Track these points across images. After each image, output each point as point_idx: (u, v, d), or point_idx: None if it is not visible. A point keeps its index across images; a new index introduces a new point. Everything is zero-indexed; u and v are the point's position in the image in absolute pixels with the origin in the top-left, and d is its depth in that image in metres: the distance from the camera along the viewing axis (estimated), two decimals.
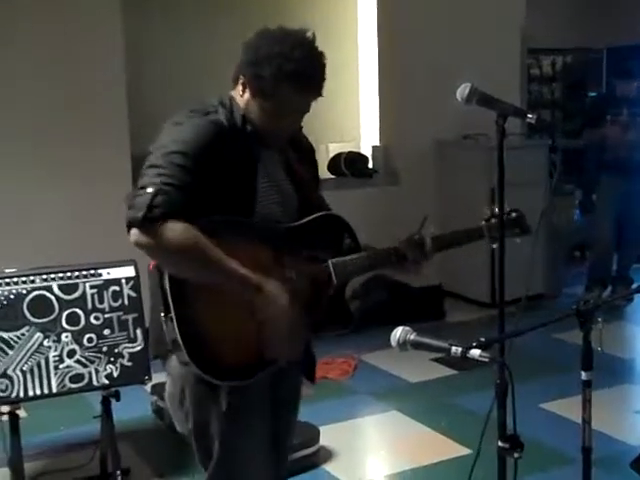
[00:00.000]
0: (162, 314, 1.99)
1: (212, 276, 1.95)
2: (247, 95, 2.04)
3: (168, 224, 1.87)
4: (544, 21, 7.30)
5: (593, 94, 8.13)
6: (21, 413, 3.14)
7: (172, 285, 1.95)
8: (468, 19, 6.31)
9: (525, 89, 7.04)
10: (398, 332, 1.64)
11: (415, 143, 6.25)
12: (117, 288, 3.22)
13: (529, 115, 1.88)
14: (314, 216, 2.16)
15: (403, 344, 1.62)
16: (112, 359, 3.18)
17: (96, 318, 3.17)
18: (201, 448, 2.14)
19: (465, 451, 3.74)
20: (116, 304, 3.21)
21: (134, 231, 1.89)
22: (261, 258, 2.03)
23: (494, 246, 2.16)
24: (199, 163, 1.94)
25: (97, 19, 5.13)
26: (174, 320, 1.94)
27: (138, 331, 3.22)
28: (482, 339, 1.53)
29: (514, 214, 2.27)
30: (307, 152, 2.30)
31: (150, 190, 1.87)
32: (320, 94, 2.05)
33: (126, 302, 3.22)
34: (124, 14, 5.25)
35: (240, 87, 2.06)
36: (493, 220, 2.21)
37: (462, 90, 1.91)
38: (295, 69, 1.97)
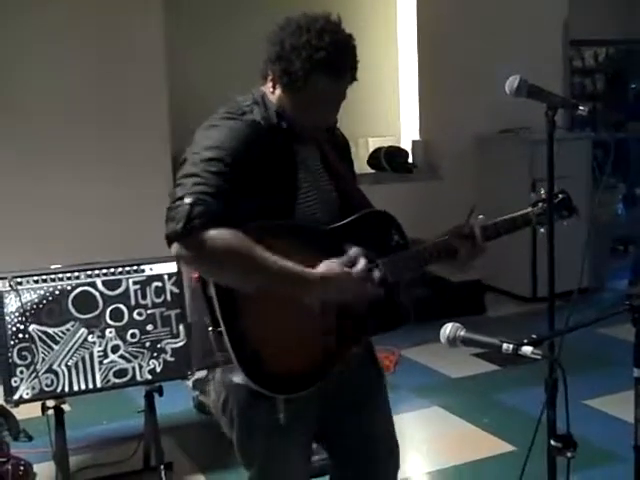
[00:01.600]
0: (209, 329, 1.90)
1: (265, 279, 1.85)
2: (278, 91, 1.96)
3: (210, 232, 1.79)
4: (586, 12, 7.19)
5: (635, 86, 7.99)
6: (65, 407, 3.17)
7: (220, 297, 1.86)
8: (510, 12, 6.25)
9: (568, 82, 6.94)
10: (448, 328, 1.61)
11: (455, 138, 6.21)
12: (160, 284, 3.24)
13: (580, 107, 1.85)
14: (359, 214, 2.06)
15: (453, 340, 1.60)
16: (155, 354, 3.20)
17: (139, 314, 3.20)
18: (244, 456, 2.09)
19: (508, 448, 3.70)
20: (159, 300, 3.23)
21: (175, 245, 1.81)
22: (308, 262, 1.91)
23: (542, 230, 2.10)
24: (236, 168, 1.86)
25: (138, 16, 5.18)
26: (224, 334, 1.85)
27: (181, 327, 3.24)
28: (534, 336, 1.50)
29: (560, 195, 2.18)
30: (343, 148, 2.22)
31: (188, 201, 1.80)
32: (355, 78, 1.96)
33: (169, 298, 3.24)
34: (165, 11, 5.29)
35: (270, 84, 1.98)
36: (540, 204, 2.14)
37: (511, 82, 1.88)
38: (325, 57, 1.87)
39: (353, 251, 1.96)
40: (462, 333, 1.60)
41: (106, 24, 5.12)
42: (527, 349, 1.48)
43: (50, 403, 3.12)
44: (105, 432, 4.00)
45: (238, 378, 1.92)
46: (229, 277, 1.85)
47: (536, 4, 6.35)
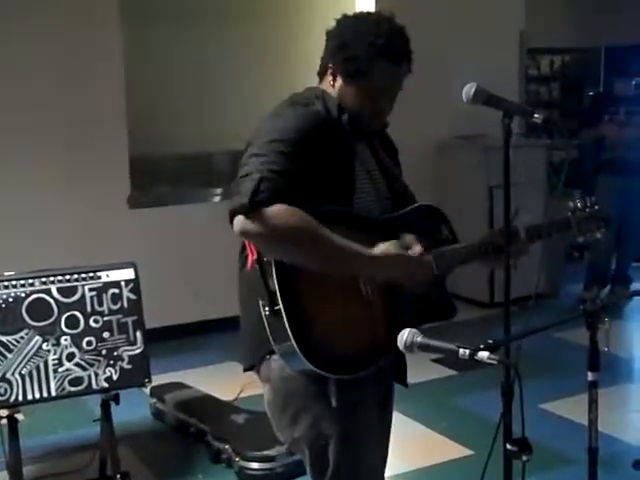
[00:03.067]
0: (265, 309, 1.90)
1: (327, 255, 1.87)
2: (339, 82, 2.02)
3: (275, 207, 1.80)
4: (542, 21, 7.30)
5: (591, 93, 8.13)
6: (19, 416, 3.11)
7: (279, 275, 1.86)
8: (467, 19, 6.31)
9: (523, 89, 7.03)
10: (405, 334, 1.62)
11: (414, 143, 6.23)
12: (116, 291, 3.19)
13: (535, 115, 1.87)
14: (413, 207, 2.12)
15: (410, 346, 1.60)
16: (112, 362, 3.15)
17: (95, 321, 3.15)
18: (315, 453, 2.03)
19: (467, 452, 3.73)
20: (115, 307, 3.18)
21: (240, 218, 1.82)
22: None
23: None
24: (301, 151, 1.88)
25: (96, 24, 5.13)
26: (282, 312, 1.84)
27: (138, 334, 3.20)
28: (490, 341, 1.52)
29: (596, 207, 2.24)
30: (393, 151, 2.26)
31: (255, 176, 1.82)
32: (410, 70, 2.03)
33: (125, 305, 3.20)
34: (123, 21, 5.24)
35: (330, 77, 2.03)
36: (579, 212, 2.21)
37: (468, 90, 1.90)
38: (386, 42, 1.95)
39: (408, 237, 2.01)
40: (419, 339, 1.60)
41: (67, 28, 5.07)
42: (483, 354, 1.49)
43: (3, 412, 3.05)
44: (60, 441, 3.94)
45: (295, 364, 1.91)
46: (292, 252, 1.86)
47: (493, 13, 6.42)
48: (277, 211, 1.80)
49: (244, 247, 2.03)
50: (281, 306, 1.84)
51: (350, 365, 1.92)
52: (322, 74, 2.07)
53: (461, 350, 1.50)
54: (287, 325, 1.83)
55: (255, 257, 1.94)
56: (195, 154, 6.13)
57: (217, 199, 5.77)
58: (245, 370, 2.14)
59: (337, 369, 1.90)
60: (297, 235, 1.83)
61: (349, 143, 2.03)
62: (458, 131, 6.20)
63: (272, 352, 1.98)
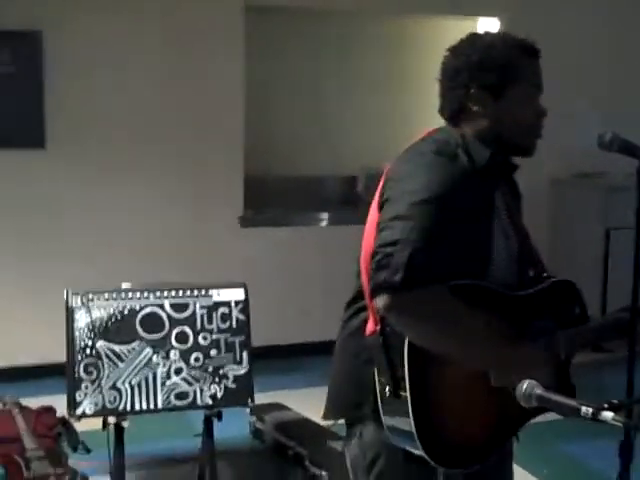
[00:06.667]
0: (386, 389, 1.77)
1: (475, 356, 1.75)
2: (489, 104, 1.85)
3: (431, 290, 1.64)
4: None
5: None
6: (124, 423, 3.19)
7: (411, 360, 1.70)
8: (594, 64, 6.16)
9: None
10: (524, 385, 1.57)
11: (529, 180, 6.10)
12: (226, 310, 3.25)
13: None
14: (550, 283, 1.95)
15: (529, 397, 1.55)
16: (217, 379, 3.21)
17: (204, 338, 3.22)
18: None
19: None
20: (224, 326, 3.24)
21: (386, 296, 1.64)
22: (500, 330, 1.81)
23: None
24: (450, 217, 1.71)
25: (221, 45, 5.27)
26: (409, 401, 1.70)
27: (244, 354, 3.24)
28: (615, 401, 1.45)
29: None
30: (518, 198, 2.06)
31: (406, 248, 1.64)
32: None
33: (234, 324, 3.25)
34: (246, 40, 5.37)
35: (474, 107, 1.86)
36: None
37: (603, 137, 1.84)
38: (519, 41, 1.87)
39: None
40: (538, 391, 1.55)
41: (190, 48, 5.22)
42: (608, 415, 1.42)
43: (111, 419, 3.14)
44: (161, 452, 4.01)
45: (403, 443, 1.81)
46: (441, 343, 1.72)
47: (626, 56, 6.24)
48: (433, 295, 1.66)
49: (358, 298, 1.92)
50: (408, 395, 1.71)
51: (464, 459, 1.82)
52: (456, 114, 1.89)
53: (584, 408, 1.44)
54: (411, 414, 1.71)
55: (379, 328, 1.78)
56: (307, 177, 6.21)
57: (324, 223, 5.81)
58: (324, 419, 2.06)
59: (451, 462, 1.80)
60: (451, 327, 1.70)
61: (491, 198, 1.88)
62: (575, 169, 6.04)
63: (372, 418, 1.87)
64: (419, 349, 1.71)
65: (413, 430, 1.72)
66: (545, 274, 2.00)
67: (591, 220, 5.74)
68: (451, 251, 1.70)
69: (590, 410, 1.44)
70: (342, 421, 2.06)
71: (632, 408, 1.70)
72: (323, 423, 4.26)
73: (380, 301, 1.67)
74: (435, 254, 1.67)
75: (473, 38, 1.91)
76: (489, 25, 5.78)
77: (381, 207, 1.80)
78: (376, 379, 1.81)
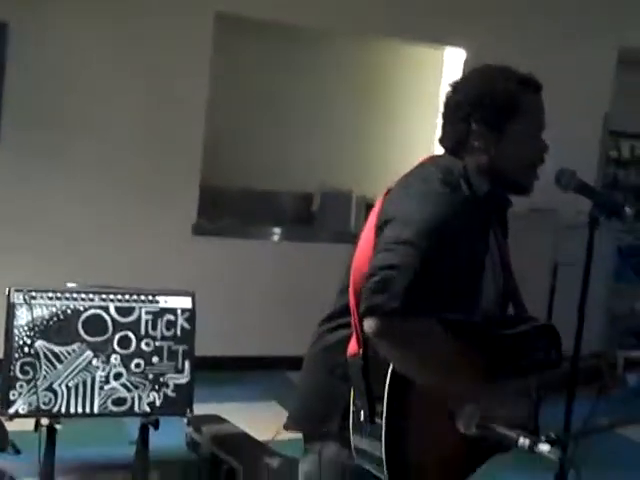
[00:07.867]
0: (361, 413, 1.73)
1: (462, 389, 1.72)
2: (489, 140, 1.84)
3: (423, 319, 1.61)
4: (629, 103, 7.20)
5: None
6: (58, 426, 3.12)
7: (392, 389, 1.66)
8: (553, 97, 6.25)
9: (602, 171, 6.95)
10: (468, 409, 1.57)
11: None
12: (172, 317, 3.21)
13: (627, 209, 1.81)
14: (534, 326, 1.92)
15: (468, 425, 1.56)
16: (157, 387, 3.16)
17: (147, 344, 3.17)
18: None
19: None
20: (169, 333, 3.20)
21: (379, 321, 1.60)
22: (474, 366, 1.77)
23: None
24: (452, 250, 1.69)
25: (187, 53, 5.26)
26: (383, 428, 1.67)
27: (186, 363, 3.20)
28: (552, 434, 1.46)
29: None
30: (505, 235, 2.03)
31: (406, 275, 1.60)
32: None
33: (179, 333, 3.21)
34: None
35: (474, 142, 1.85)
36: None
37: (559, 174, 1.86)
38: (520, 75, 1.86)
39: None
40: (478, 419, 1.56)
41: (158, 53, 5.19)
42: (544, 447, 1.43)
43: (44, 421, 3.07)
44: (93, 457, 3.93)
45: (364, 463, 1.77)
46: (426, 372, 1.69)
47: (578, 92, 6.37)
48: (427, 326, 1.63)
49: (341, 314, 1.88)
50: (384, 423, 1.68)
51: None
52: (457, 147, 1.88)
53: (521, 439, 1.45)
54: (384, 441, 1.68)
55: (362, 350, 1.74)
56: (264, 192, 6.20)
57: (276, 238, 5.80)
58: (285, 429, 2.00)
59: None
60: (439, 359, 1.68)
61: (487, 231, 1.87)
62: (530, 203, 6.13)
63: (336, 437, 1.85)
64: (401, 379, 1.69)
65: (383, 457, 1.69)
66: (526, 314, 1.99)
67: (540, 254, 5.83)
68: (448, 282, 1.68)
69: (527, 442, 1.45)
70: (300, 435, 2.00)
71: (567, 444, 1.71)
72: (261, 439, 4.25)
73: (371, 324, 1.62)
74: (433, 284, 1.64)
75: (474, 72, 1.92)
76: (455, 55, 5.85)
77: (379, 228, 1.77)
78: (351, 401, 1.78)
